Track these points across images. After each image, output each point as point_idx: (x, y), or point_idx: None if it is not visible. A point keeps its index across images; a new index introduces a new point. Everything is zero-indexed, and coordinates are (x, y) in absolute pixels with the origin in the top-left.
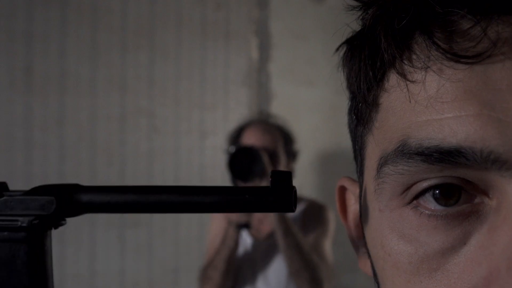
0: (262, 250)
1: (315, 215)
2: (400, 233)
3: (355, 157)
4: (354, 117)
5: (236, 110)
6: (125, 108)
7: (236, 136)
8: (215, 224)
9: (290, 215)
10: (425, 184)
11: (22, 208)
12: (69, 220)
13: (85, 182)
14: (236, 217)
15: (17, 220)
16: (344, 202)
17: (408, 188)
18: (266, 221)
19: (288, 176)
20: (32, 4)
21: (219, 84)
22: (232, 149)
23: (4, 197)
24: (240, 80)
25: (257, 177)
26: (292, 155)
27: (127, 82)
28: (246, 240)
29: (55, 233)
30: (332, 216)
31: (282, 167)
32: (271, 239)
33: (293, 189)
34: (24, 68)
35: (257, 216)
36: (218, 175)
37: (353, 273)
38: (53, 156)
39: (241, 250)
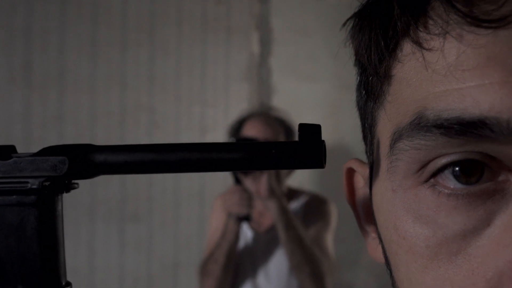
0: (263, 244)
1: (317, 208)
2: (416, 215)
3: (364, 137)
4: (364, 92)
5: (237, 106)
6: (125, 104)
7: (236, 129)
8: (215, 217)
9: (291, 208)
10: (444, 160)
11: (32, 169)
12: (67, 213)
13: None
14: (236, 209)
15: (27, 182)
16: (352, 186)
17: (425, 165)
18: (267, 214)
19: (317, 129)
20: (31, 0)
21: (219, 80)
22: (233, 140)
23: (13, 158)
24: (241, 75)
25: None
26: None
27: (127, 78)
28: (246, 233)
29: None
30: (334, 210)
31: None
32: (272, 232)
33: (323, 144)
34: (23, 64)
35: (257, 209)
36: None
37: (353, 269)
38: None
39: (241, 243)
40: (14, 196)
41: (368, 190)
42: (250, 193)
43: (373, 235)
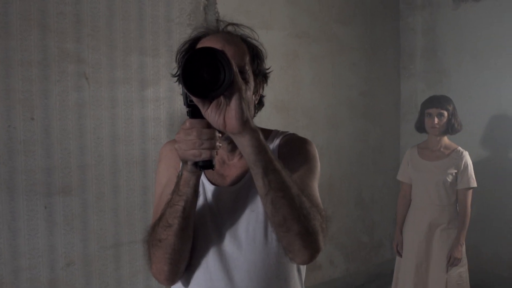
0: (228, 201)
1: (296, 149)
2: None
3: None
4: None
5: None
6: (47, 51)
7: (187, 51)
8: (164, 167)
9: None
10: None
11: None
12: None
13: (1, 141)
14: (193, 154)
15: None
16: None
17: None
18: (232, 163)
19: None
20: None
21: (160, 25)
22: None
23: None
24: (184, 20)
25: (223, 91)
26: (262, 74)
27: (48, 19)
28: (206, 188)
29: None
30: (317, 153)
31: (250, 88)
32: (239, 184)
33: None
34: None
35: (220, 155)
36: (162, 132)
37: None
38: None
39: (200, 202)
40: None
41: None
42: (213, 130)
43: None
